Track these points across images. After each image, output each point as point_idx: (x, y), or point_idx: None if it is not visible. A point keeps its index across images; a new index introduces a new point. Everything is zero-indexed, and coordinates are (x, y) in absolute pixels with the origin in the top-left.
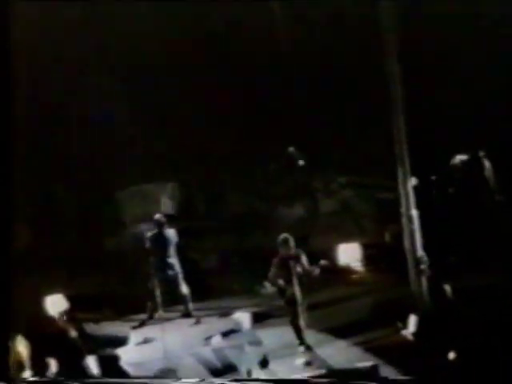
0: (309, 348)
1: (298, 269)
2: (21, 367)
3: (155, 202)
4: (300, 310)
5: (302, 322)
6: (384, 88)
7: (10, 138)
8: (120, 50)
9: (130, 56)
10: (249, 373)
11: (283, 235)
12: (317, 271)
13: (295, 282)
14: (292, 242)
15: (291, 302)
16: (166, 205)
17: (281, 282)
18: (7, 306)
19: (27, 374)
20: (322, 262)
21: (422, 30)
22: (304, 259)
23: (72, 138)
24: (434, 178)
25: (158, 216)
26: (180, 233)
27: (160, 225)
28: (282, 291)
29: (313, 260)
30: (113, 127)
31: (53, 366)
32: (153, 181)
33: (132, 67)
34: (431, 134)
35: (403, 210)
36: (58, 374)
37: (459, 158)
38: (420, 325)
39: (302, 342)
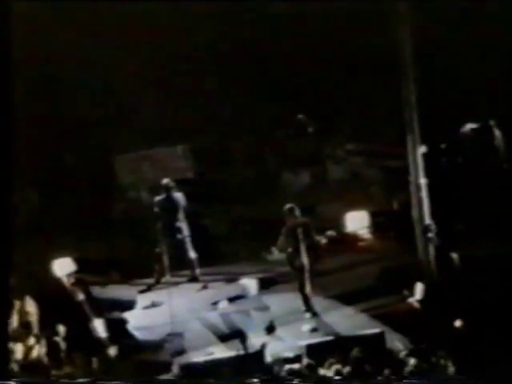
0: (315, 314)
1: (306, 237)
2: (29, 327)
3: (165, 167)
4: (307, 277)
5: (309, 289)
6: (394, 55)
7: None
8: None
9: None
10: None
11: (288, 205)
12: (323, 241)
13: (303, 250)
14: (298, 212)
15: (299, 270)
16: (176, 169)
17: (289, 249)
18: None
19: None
20: (329, 232)
21: None
22: (311, 228)
23: (83, 103)
24: (443, 146)
25: (166, 180)
26: (189, 198)
27: (168, 189)
28: (290, 259)
29: (321, 227)
30: (125, 91)
31: (61, 329)
32: (164, 145)
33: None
34: (442, 102)
35: (412, 178)
36: (66, 336)
37: (469, 126)
38: (426, 292)
39: (308, 308)
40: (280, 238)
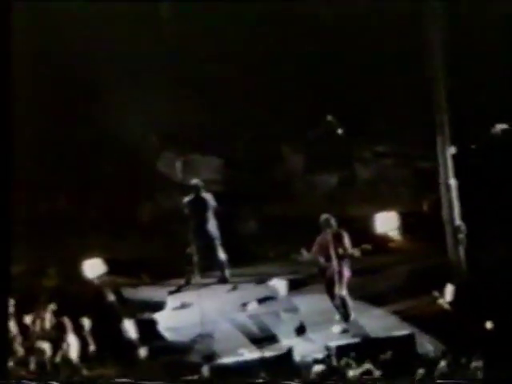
0: (346, 316)
1: (339, 249)
2: (61, 328)
3: (197, 172)
4: (338, 282)
5: (339, 292)
6: (425, 56)
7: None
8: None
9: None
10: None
11: (325, 216)
12: (357, 254)
13: (335, 261)
14: (333, 222)
15: (329, 280)
16: (207, 175)
17: (321, 259)
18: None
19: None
20: (364, 245)
21: None
22: (346, 240)
23: (113, 105)
24: (473, 146)
25: (195, 180)
26: (218, 198)
27: (197, 189)
28: (321, 269)
29: (349, 229)
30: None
31: (87, 325)
32: (198, 152)
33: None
34: (472, 103)
35: (442, 179)
36: (96, 337)
37: (500, 127)
38: (457, 294)
39: (339, 311)
40: (313, 248)
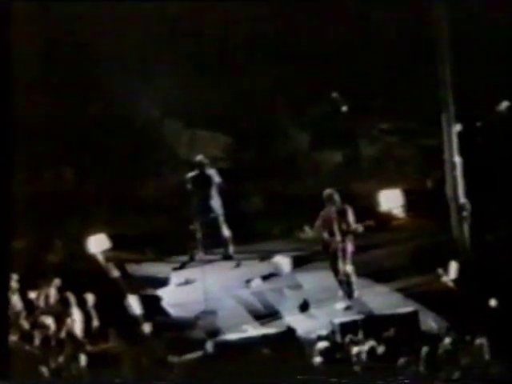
0: (350, 294)
1: (343, 224)
2: (65, 304)
3: (203, 148)
4: (341, 259)
5: (343, 270)
6: (430, 33)
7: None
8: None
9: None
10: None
11: (328, 190)
12: (360, 229)
13: (338, 236)
14: (337, 197)
15: (333, 255)
16: (214, 152)
17: (325, 234)
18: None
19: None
20: (367, 221)
21: None
22: (350, 216)
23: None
24: (478, 124)
25: (199, 157)
26: (222, 175)
27: (201, 165)
28: (325, 245)
29: (354, 206)
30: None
31: (91, 300)
32: (203, 128)
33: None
34: (477, 80)
35: (446, 156)
36: (100, 312)
37: (505, 104)
38: (461, 271)
39: (342, 288)
40: (317, 223)
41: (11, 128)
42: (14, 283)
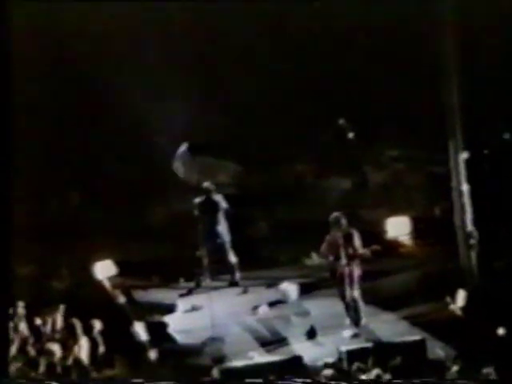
0: (357, 322)
1: (349, 249)
2: (72, 329)
3: (212, 175)
4: (348, 285)
5: (349, 297)
6: (437, 60)
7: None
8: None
9: None
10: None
11: (335, 214)
12: (367, 254)
13: (344, 261)
14: (344, 221)
15: (339, 279)
16: (221, 180)
17: (331, 258)
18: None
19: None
20: (374, 246)
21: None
22: (356, 239)
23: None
24: (486, 151)
25: (206, 183)
26: (229, 201)
27: (208, 192)
28: (332, 268)
29: (361, 232)
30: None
31: (97, 326)
32: (212, 154)
33: None
34: (485, 107)
35: (454, 184)
36: (106, 339)
37: None
38: (469, 300)
39: (350, 315)
40: (323, 246)
41: (12, 153)
42: (20, 309)
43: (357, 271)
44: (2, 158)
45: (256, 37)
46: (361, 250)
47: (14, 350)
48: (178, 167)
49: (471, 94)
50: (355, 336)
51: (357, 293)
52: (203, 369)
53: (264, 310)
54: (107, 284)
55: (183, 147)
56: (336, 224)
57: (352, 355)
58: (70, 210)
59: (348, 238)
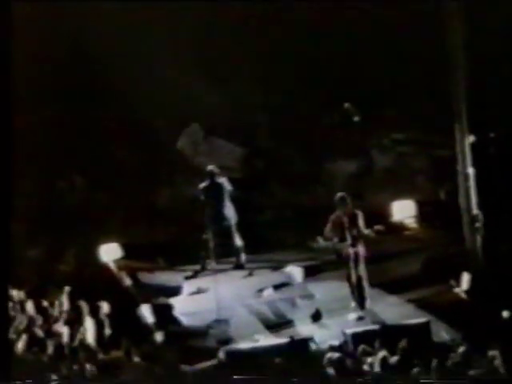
0: (362, 304)
1: (353, 229)
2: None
3: (218, 157)
4: (353, 266)
5: (355, 279)
6: (444, 43)
7: None
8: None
9: None
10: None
11: (340, 194)
12: (371, 234)
13: (349, 241)
14: (349, 201)
15: (345, 260)
16: (228, 163)
17: (335, 239)
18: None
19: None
20: (377, 226)
21: None
22: (360, 220)
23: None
24: (492, 135)
25: (210, 167)
26: (234, 184)
27: (213, 175)
28: (336, 248)
29: (368, 216)
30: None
31: (104, 308)
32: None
33: None
34: (491, 91)
35: (459, 167)
36: (112, 322)
37: None
38: (473, 283)
39: (355, 298)
40: (327, 226)
41: (12, 137)
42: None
43: (362, 251)
44: (6, 144)
45: (261, 22)
46: (365, 231)
47: (20, 327)
48: (185, 145)
49: (477, 77)
50: (360, 319)
51: (363, 271)
52: (209, 351)
53: (269, 292)
54: (113, 266)
55: (193, 126)
56: (341, 203)
57: (357, 338)
58: (76, 194)
59: (353, 219)
